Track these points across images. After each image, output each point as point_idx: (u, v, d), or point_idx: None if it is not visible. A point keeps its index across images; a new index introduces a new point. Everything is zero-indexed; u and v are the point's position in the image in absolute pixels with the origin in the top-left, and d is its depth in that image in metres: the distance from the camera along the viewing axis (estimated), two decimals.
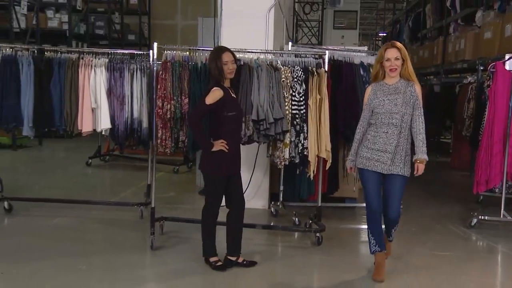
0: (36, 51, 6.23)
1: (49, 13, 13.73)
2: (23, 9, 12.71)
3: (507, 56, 6.29)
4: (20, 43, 11.17)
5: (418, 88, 4.64)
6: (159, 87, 5.39)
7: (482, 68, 8.25)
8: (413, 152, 4.65)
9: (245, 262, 4.90)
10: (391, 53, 4.51)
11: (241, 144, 5.20)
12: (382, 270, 4.68)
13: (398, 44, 4.58)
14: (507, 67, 6.25)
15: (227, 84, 4.73)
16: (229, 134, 4.70)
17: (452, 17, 11.79)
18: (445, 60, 11.50)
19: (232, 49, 4.84)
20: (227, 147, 4.65)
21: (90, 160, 9.99)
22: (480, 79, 8.38)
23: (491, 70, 6.37)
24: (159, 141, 5.45)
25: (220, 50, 4.76)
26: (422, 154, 4.56)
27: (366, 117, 4.73)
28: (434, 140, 12.74)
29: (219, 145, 4.63)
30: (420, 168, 4.57)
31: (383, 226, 4.81)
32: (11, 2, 11.90)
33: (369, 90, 4.76)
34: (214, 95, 4.62)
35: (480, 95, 7.61)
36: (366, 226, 4.86)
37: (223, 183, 4.79)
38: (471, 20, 10.60)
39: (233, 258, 4.87)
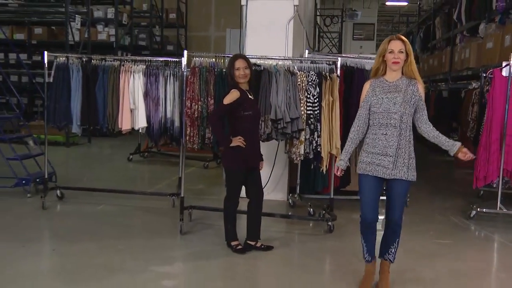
0: (84, 59, 6.39)
1: (99, 27, 14.03)
2: (77, 24, 12.96)
3: (503, 64, 6.21)
4: (73, 54, 11.41)
5: (421, 87, 3.91)
6: (188, 89, 5.47)
7: (484, 75, 8.16)
8: (416, 154, 3.96)
9: (262, 246, 4.92)
10: (396, 45, 3.82)
11: (261, 141, 5.22)
12: (368, 283, 4.09)
13: (403, 37, 3.88)
14: (503, 73, 6.18)
15: (244, 87, 4.73)
16: (246, 132, 4.71)
17: (458, 29, 11.68)
18: (452, 68, 11.37)
19: (254, 56, 4.88)
20: (244, 143, 4.68)
21: (131, 156, 10.13)
22: (483, 85, 8.29)
23: (490, 76, 6.34)
24: (187, 138, 5.52)
25: (233, 58, 4.78)
26: (454, 145, 3.89)
27: (362, 115, 3.99)
28: None
29: (236, 141, 4.67)
30: (465, 152, 3.86)
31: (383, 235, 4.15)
32: (67, 19, 12.15)
33: (367, 86, 4.00)
34: (232, 96, 4.67)
35: (482, 99, 7.53)
36: None
37: (241, 176, 4.81)
38: (475, 32, 10.49)
39: (252, 243, 4.90)
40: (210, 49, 16.93)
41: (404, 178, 3.85)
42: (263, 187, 5.02)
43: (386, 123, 3.84)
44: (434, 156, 12.21)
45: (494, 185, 6.55)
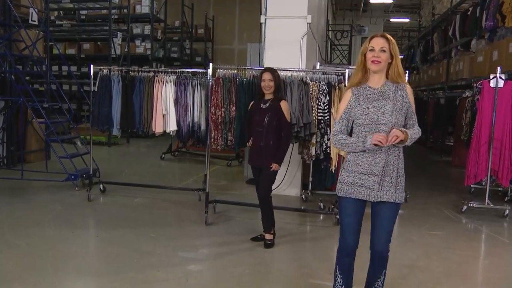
0: (124, 71, 6.49)
1: (137, 42, 14.21)
2: (119, 40, 13.17)
3: (491, 76, 6.16)
4: (115, 66, 11.59)
5: (410, 91, 2.94)
6: (212, 97, 5.52)
7: (474, 85, 8.10)
8: (405, 172, 3.03)
9: (259, 236, 4.88)
10: (377, 43, 2.87)
11: None
12: None
13: (388, 35, 2.93)
14: (491, 84, 6.14)
15: (269, 96, 4.70)
16: (256, 134, 4.72)
17: (453, 44, 11.62)
18: (448, 78, 11.25)
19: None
20: (251, 144, 4.78)
21: (163, 155, 10.25)
22: (474, 94, 8.21)
23: (479, 87, 6.30)
24: (212, 140, 5.57)
25: (263, 70, 4.79)
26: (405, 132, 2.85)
27: (339, 131, 3.00)
28: (439, 142, 12.51)
29: (247, 142, 4.86)
30: (395, 134, 2.78)
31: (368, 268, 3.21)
32: (110, 35, 12.38)
33: (348, 94, 2.98)
34: (248, 106, 4.94)
35: (474, 106, 7.46)
36: None
37: (254, 172, 4.85)
38: (468, 47, 10.47)
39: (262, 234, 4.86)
40: (234, 60, 17.03)
41: (392, 200, 2.92)
42: (278, 184, 5.01)
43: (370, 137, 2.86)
44: (432, 156, 12.13)
45: (483, 183, 6.51)
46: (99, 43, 14.38)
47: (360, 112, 2.93)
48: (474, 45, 9.65)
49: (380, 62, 2.88)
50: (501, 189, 7.15)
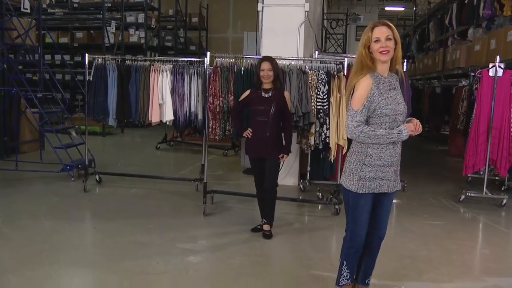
0: (119, 60, 6.38)
1: (131, 31, 14.02)
2: (112, 28, 13.02)
3: (490, 65, 6.12)
4: (109, 55, 11.45)
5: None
6: (210, 87, 5.43)
7: (472, 74, 8.05)
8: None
9: (258, 227, 4.83)
10: (381, 32, 2.77)
11: None
12: None
13: (388, 22, 2.86)
14: (490, 74, 6.09)
15: (268, 86, 4.61)
16: (257, 124, 4.61)
17: (450, 33, 11.54)
18: (445, 67, 11.21)
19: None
20: (251, 135, 4.63)
21: (159, 145, 10.16)
22: (471, 83, 8.17)
23: (478, 76, 6.25)
24: (210, 130, 5.49)
25: (261, 59, 4.69)
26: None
27: (362, 121, 2.81)
28: (435, 132, 12.51)
29: (244, 132, 4.68)
30: (419, 123, 2.89)
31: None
32: (104, 24, 12.23)
33: (368, 82, 2.79)
34: (244, 95, 4.78)
35: (471, 95, 7.42)
36: None
37: (254, 163, 4.75)
38: (464, 36, 10.40)
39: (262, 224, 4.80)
40: (228, 49, 16.90)
41: (398, 188, 2.99)
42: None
43: (394, 128, 2.84)
44: (428, 145, 12.12)
45: (481, 172, 6.49)
46: (92, 31, 14.18)
47: (384, 101, 2.80)
48: (471, 34, 9.60)
49: (388, 51, 2.79)
50: (498, 178, 7.15)
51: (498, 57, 6.11)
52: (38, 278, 3.67)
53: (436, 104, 11.65)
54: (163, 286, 3.64)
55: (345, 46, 19.00)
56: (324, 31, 16.29)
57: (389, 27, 2.81)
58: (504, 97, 6.09)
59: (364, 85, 2.79)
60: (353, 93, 2.84)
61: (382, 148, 2.85)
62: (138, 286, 3.61)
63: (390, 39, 2.79)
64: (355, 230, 2.98)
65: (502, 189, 6.88)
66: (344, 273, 3.08)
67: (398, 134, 2.81)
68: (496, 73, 6.04)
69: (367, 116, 2.84)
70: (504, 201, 6.15)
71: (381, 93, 2.80)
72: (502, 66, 6.08)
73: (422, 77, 13.66)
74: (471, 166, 6.22)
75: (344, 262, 3.07)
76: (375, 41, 2.79)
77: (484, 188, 6.24)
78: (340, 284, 3.13)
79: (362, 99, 2.79)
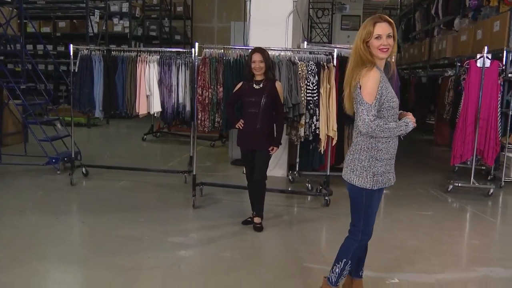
0: (105, 51, 6.24)
1: (115, 20, 13.78)
2: (96, 18, 12.82)
3: (478, 56, 6.15)
4: (93, 45, 11.26)
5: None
6: (199, 78, 5.35)
7: (459, 64, 8.11)
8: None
9: (249, 219, 4.82)
10: (383, 29, 2.71)
11: None
12: None
13: (388, 18, 2.78)
14: (478, 64, 6.12)
15: (260, 77, 4.55)
16: (249, 116, 4.57)
17: (436, 23, 11.57)
18: (431, 57, 11.26)
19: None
20: (242, 126, 4.60)
21: (145, 136, 10.05)
22: (458, 73, 8.22)
23: (466, 66, 6.28)
24: (199, 122, 5.43)
25: (252, 51, 4.61)
26: None
27: (377, 115, 2.74)
28: (421, 122, 12.59)
29: (237, 124, 4.64)
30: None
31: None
32: (87, 13, 12.02)
33: (378, 75, 2.72)
34: (236, 87, 4.74)
35: (458, 86, 7.47)
36: None
37: (245, 156, 4.71)
38: (451, 26, 10.42)
39: (253, 217, 4.77)
40: (214, 39, 16.72)
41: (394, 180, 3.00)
42: None
43: (397, 120, 2.85)
44: (414, 134, 12.20)
45: (468, 163, 6.55)
46: (75, 21, 13.88)
47: (390, 94, 2.77)
48: (458, 24, 9.64)
49: (388, 49, 2.74)
50: (484, 168, 7.23)
51: (486, 47, 6.14)
52: (26, 275, 3.59)
53: (422, 94, 11.69)
54: (155, 282, 3.59)
55: (331, 36, 18.95)
56: (310, 21, 16.24)
57: (390, 23, 2.75)
58: (491, 88, 6.13)
59: (375, 78, 2.70)
60: (360, 87, 2.72)
61: (389, 141, 2.83)
62: (129, 282, 3.56)
63: (390, 36, 2.74)
64: (369, 227, 2.93)
65: (488, 178, 6.96)
66: (345, 272, 3.03)
67: (406, 127, 2.79)
68: (484, 64, 6.06)
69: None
70: (491, 191, 6.22)
71: (386, 86, 2.76)
72: (490, 57, 6.11)
73: (408, 66, 13.72)
74: (459, 156, 6.27)
75: (349, 261, 2.99)
76: (376, 38, 2.73)
77: (472, 178, 6.31)
78: (337, 284, 3.07)
79: (374, 92, 2.70)
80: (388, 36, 2.73)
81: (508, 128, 6.59)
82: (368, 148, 2.83)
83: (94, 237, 4.45)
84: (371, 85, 2.70)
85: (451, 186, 6.34)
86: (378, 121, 2.73)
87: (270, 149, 4.58)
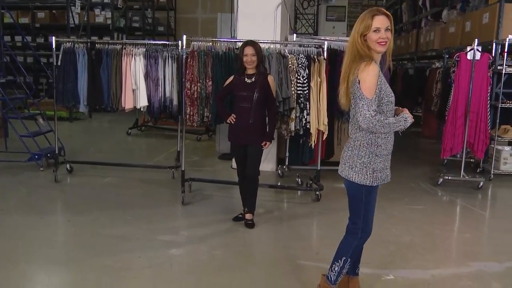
0: (89, 43, 6.10)
1: (97, 11, 13.55)
2: (77, 8, 12.55)
3: (468, 48, 6.17)
4: (74, 36, 11.05)
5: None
6: (187, 72, 5.25)
7: (447, 56, 8.15)
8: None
9: (240, 215, 4.77)
10: (382, 22, 2.66)
11: None
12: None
13: (386, 11, 2.73)
14: (468, 57, 6.14)
15: (252, 71, 4.49)
16: (240, 110, 4.51)
17: (423, 14, 11.61)
18: (418, 49, 11.31)
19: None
20: (234, 121, 4.53)
21: (129, 130, 9.92)
22: (446, 65, 8.27)
23: (456, 59, 6.29)
24: (187, 116, 5.35)
25: (244, 44, 4.54)
26: None
27: (377, 110, 2.71)
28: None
29: (228, 118, 4.57)
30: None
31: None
32: (68, 3, 11.76)
33: (377, 69, 2.68)
34: (227, 81, 4.68)
35: (446, 77, 7.50)
36: None
37: (237, 151, 4.65)
38: (438, 17, 10.45)
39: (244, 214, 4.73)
40: (198, 30, 16.54)
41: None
42: None
43: (394, 116, 2.82)
44: None
45: (458, 156, 6.58)
46: (54, 11, 13.60)
47: (389, 89, 2.73)
48: (446, 15, 9.67)
49: (386, 42, 2.69)
50: (473, 160, 7.29)
51: (476, 40, 6.15)
52: (13, 277, 3.49)
53: (409, 85, 11.72)
54: (147, 282, 3.51)
55: (316, 27, 18.90)
56: (295, 11, 16.16)
57: (388, 16, 2.70)
58: (481, 80, 6.16)
59: (374, 73, 2.65)
60: (359, 82, 2.66)
61: (387, 137, 2.81)
62: (120, 283, 3.49)
63: (389, 29, 2.69)
64: (368, 224, 2.90)
65: (478, 171, 7.02)
66: (344, 270, 3.00)
67: (405, 122, 2.76)
68: (474, 56, 6.08)
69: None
70: (481, 183, 6.27)
71: (384, 81, 2.72)
72: (480, 49, 6.13)
73: (395, 58, 13.76)
74: (448, 150, 6.30)
75: (349, 259, 2.96)
76: (374, 31, 2.67)
77: (462, 171, 6.35)
78: (336, 283, 3.04)
79: (374, 86, 2.65)
80: (387, 29, 2.68)
81: (498, 121, 6.64)
82: (368, 144, 2.79)
83: (80, 237, 4.35)
84: (371, 79, 2.65)
85: (441, 179, 6.37)
86: (378, 116, 2.68)
87: (263, 144, 4.52)
